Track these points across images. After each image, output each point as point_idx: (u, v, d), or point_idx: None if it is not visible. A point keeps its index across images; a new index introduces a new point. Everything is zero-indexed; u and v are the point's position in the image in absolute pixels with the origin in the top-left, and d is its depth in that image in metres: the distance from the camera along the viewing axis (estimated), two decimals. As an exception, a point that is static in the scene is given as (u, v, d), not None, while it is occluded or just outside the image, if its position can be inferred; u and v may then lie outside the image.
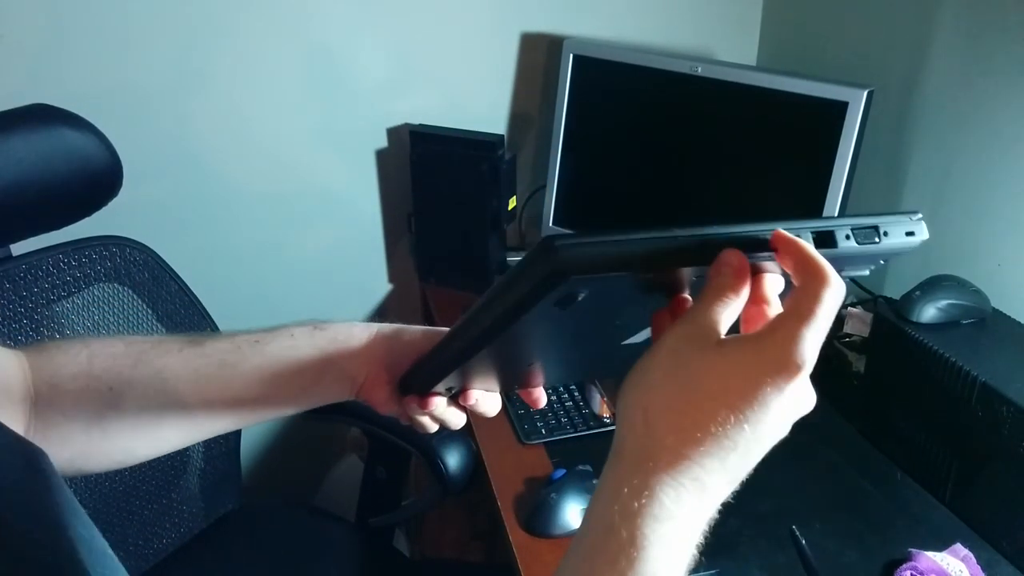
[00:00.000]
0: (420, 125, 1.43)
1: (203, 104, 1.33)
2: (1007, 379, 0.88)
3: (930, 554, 0.86)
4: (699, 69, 1.22)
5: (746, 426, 0.37)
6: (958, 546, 0.88)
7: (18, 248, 0.99)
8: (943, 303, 1.00)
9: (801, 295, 0.37)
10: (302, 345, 0.59)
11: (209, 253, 1.41)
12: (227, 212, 1.42)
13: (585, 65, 1.36)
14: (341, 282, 1.54)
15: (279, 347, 0.58)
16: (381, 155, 1.48)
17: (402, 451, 1.21)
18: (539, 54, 1.48)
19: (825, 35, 1.41)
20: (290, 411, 0.61)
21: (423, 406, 0.56)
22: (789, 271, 0.38)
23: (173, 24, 1.27)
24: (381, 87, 1.42)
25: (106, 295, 1.04)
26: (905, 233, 0.41)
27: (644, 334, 0.48)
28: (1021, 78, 1.04)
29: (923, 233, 0.42)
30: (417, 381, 0.55)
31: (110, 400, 0.56)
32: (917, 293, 1.02)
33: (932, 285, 1.02)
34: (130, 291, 1.06)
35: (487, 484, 1.02)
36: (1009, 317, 1.03)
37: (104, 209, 0.98)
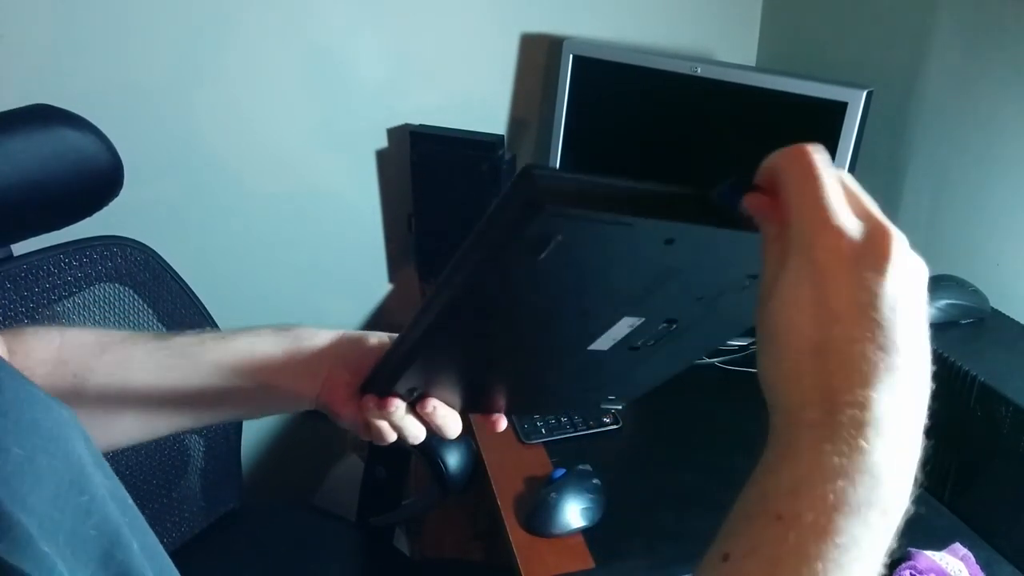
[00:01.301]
0: (420, 125, 1.43)
1: (204, 105, 1.34)
2: (1006, 379, 0.89)
3: (929, 553, 0.86)
4: (699, 69, 1.22)
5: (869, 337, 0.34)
6: (957, 545, 0.89)
7: (19, 248, 0.99)
8: (942, 303, 1.00)
9: (790, 186, 0.36)
10: (265, 341, 0.59)
11: (210, 253, 1.41)
12: (228, 212, 1.42)
13: (585, 65, 1.36)
14: (341, 282, 1.54)
15: (242, 342, 0.59)
16: (381, 155, 1.48)
17: (402, 451, 1.21)
18: (539, 54, 1.48)
19: (825, 35, 1.41)
20: (252, 411, 0.61)
21: (381, 407, 0.54)
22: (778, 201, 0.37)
23: (174, 25, 1.27)
24: (381, 87, 1.43)
25: (107, 295, 1.04)
26: None
27: (608, 340, 0.47)
28: (1020, 78, 1.04)
29: None
30: (378, 379, 0.53)
31: (74, 387, 0.56)
32: (916, 293, 1.02)
33: (931, 285, 1.02)
34: (131, 291, 1.06)
35: (487, 484, 1.03)
36: (1008, 317, 1.03)
37: (105, 209, 0.98)
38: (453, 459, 1.09)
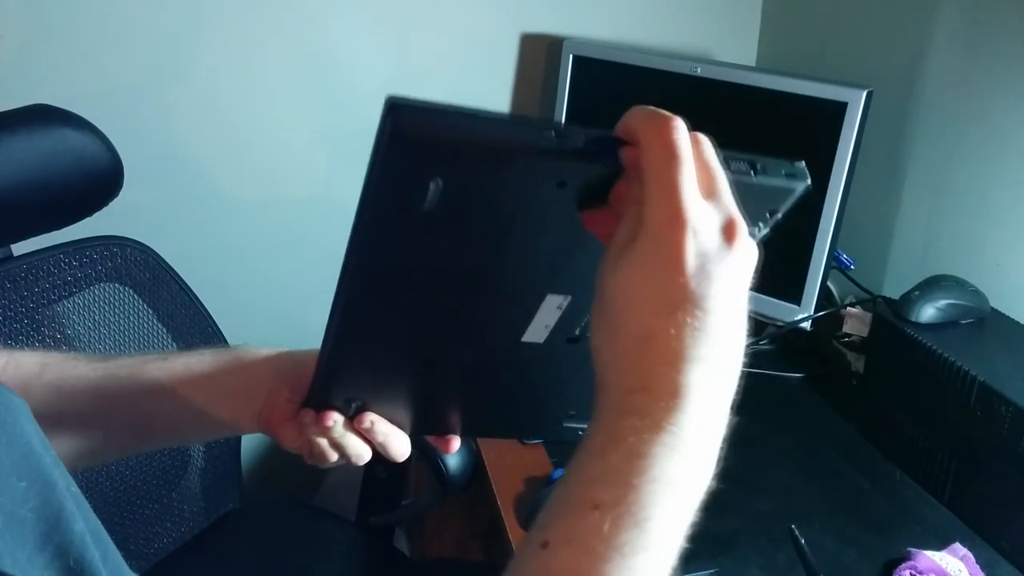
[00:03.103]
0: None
1: (204, 105, 1.34)
2: (1006, 379, 0.89)
3: (929, 553, 0.86)
4: (698, 70, 1.22)
5: (693, 317, 0.36)
6: (957, 545, 0.89)
7: (19, 248, 0.99)
8: (942, 303, 1.00)
9: (647, 155, 0.36)
10: (206, 361, 0.57)
11: (210, 253, 1.41)
12: (228, 212, 1.42)
13: (585, 66, 1.36)
14: (341, 282, 1.54)
15: (183, 362, 0.57)
16: (381, 155, 1.48)
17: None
18: (539, 54, 1.48)
19: (824, 35, 1.41)
20: (192, 435, 0.58)
21: (319, 422, 0.50)
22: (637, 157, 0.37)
23: (174, 25, 1.27)
24: (381, 87, 1.42)
25: (107, 295, 1.04)
26: (784, 173, 0.40)
27: (540, 328, 0.44)
28: (1020, 78, 1.05)
29: (804, 178, 0.41)
30: (313, 391, 0.49)
31: None
32: (916, 293, 1.02)
33: (931, 285, 1.02)
34: (131, 291, 1.06)
35: (487, 484, 1.03)
36: (1008, 317, 1.03)
37: (105, 209, 0.98)
38: (453, 459, 1.09)
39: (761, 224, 0.43)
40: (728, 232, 0.37)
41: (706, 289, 0.36)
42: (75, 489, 0.37)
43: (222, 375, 0.56)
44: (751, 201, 0.40)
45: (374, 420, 0.51)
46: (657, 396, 0.36)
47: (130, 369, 0.57)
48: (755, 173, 0.39)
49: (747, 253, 0.37)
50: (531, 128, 0.35)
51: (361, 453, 0.53)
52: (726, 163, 0.39)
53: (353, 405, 0.50)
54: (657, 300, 0.36)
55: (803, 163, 0.41)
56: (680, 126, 0.37)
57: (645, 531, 0.35)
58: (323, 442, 0.52)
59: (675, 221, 0.36)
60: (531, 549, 0.36)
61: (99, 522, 0.37)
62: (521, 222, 0.38)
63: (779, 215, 0.42)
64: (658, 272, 0.36)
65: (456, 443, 0.55)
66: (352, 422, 0.51)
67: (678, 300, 0.36)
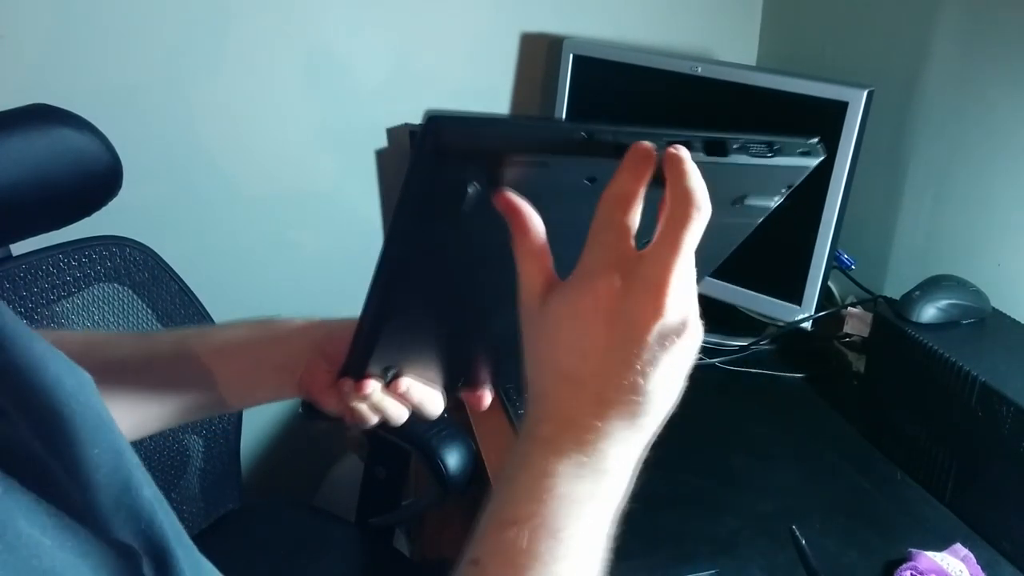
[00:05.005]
0: (420, 125, 1.43)
1: (203, 104, 1.33)
2: (1007, 379, 0.88)
3: (930, 554, 0.86)
4: (699, 69, 1.22)
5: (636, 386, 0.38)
6: (958, 546, 0.88)
7: (18, 248, 0.99)
8: (943, 303, 1.00)
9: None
10: (243, 333, 0.60)
11: (209, 253, 1.41)
12: (227, 212, 1.42)
13: (585, 65, 1.36)
14: (341, 282, 1.54)
15: (222, 335, 0.61)
16: (381, 155, 1.48)
17: (402, 451, 1.21)
18: (539, 54, 1.48)
19: (825, 35, 1.41)
20: (237, 404, 0.62)
21: (358, 390, 0.54)
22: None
23: (173, 25, 1.27)
24: (381, 87, 1.43)
25: (106, 295, 1.04)
26: (799, 152, 0.42)
27: None
28: (1021, 78, 1.04)
29: (818, 154, 0.42)
30: (351, 362, 0.52)
31: None
32: (917, 293, 1.02)
33: (932, 285, 1.02)
34: (130, 291, 1.06)
35: (487, 484, 1.02)
36: (1009, 317, 1.03)
37: (104, 209, 0.98)
38: (453, 459, 1.09)
39: (777, 197, 0.45)
40: (654, 302, 0.37)
41: (632, 348, 0.38)
42: (137, 460, 0.39)
43: (261, 348, 0.59)
44: (770, 179, 0.42)
45: (410, 384, 0.55)
46: (565, 428, 0.39)
47: (173, 344, 0.60)
48: (773, 154, 0.41)
49: (681, 321, 0.38)
50: (562, 130, 0.36)
51: (399, 414, 0.57)
52: (745, 147, 0.40)
53: (390, 372, 0.53)
54: (578, 344, 0.39)
55: (817, 139, 0.43)
56: (621, 192, 0.38)
57: (561, 541, 0.39)
58: (363, 407, 0.56)
59: (601, 274, 0.38)
60: (464, 567, 0.40)
61: (160, 492, 0.39)
62: (552, 213, 0.40)
63: (795, 186, 0.44)
64: (581, 320, 0.38)
65: (487, 398, 0.58)
66: (389, 387, 0.55)
67: (599, 347, 0.38)
